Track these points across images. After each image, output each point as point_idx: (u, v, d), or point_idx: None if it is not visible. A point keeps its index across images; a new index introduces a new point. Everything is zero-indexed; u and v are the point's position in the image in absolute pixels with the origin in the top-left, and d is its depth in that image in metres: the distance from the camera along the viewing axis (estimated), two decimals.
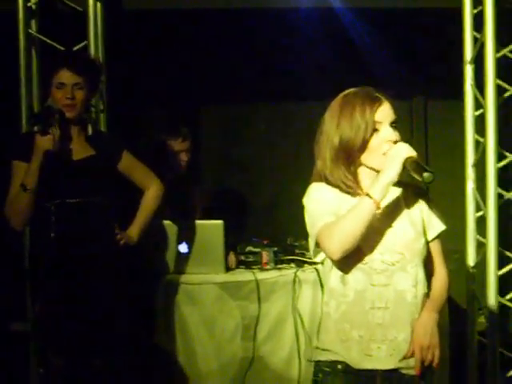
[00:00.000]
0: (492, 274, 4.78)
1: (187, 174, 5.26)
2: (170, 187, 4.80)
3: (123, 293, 4.13)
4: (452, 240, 5.50)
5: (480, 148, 4.94)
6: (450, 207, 5.56)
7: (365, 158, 2.86)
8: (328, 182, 2.92)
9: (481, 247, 4.98)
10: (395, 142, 2.82)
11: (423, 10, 5.27)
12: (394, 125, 2.85)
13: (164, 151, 5.14)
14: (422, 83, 5.91)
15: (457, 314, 5.20)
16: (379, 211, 2.79)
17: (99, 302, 3.99)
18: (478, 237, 5.04)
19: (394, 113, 2.86)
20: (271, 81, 5.90)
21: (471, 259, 5.07)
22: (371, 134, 2.82)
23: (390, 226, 2.91)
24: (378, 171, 2.82)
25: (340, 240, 2.76)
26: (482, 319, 5.12)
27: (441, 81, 5.74)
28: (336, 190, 2.91)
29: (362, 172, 2.91)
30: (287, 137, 6.03)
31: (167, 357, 4.72)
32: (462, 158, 5.09)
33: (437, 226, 3.02)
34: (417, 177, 2.73)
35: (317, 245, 2.87)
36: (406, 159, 2.74)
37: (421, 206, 2.99)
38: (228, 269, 4.87)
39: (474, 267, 5.06)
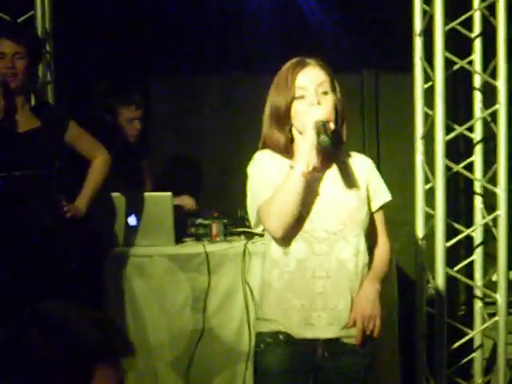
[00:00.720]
0: (440, 245, 4.83)
1: (138, 144, 5.23)
2: (121, 159, 4.78)
3: (70, 263, 4.11)
4: (402, 212, 5.62)
5: (429, 121, 4.96)
6: (400, 180, 5.65)
7: (295, 123, 2.93)
8: (269, 147, 2.96)
9: (430, 219, 5.01)
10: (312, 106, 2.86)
11: None
12: (321, 89, 2.87)
13: (115, 118, 5.10)
14: (373, 56, 5.91)
15: (406, 286, 5.25)
16: (308, 178, 2.80)
17: (45, 265, 3.96)
18: (427, 209, 5.07)
19: (324, 76, 2.89)
20: (222, 51, 5.87)
21: (420, 231, 5.11)
22: (293, 99, 2.87)
23: (333, 194, 2.93)
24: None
25: (277, 218, 2.81)
26: (431, 290, 5.16)
27: (391, 53, 5.75)
28: (278, 156, 2.94)
29: (297, 137, 2.94)
30: (238, 106, 6.02)
31: None
32: (412, 130, 5.12)
33: (382, 196, 3.05)
34: (317, 140, 2.76)
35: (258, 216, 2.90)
36: (316, 122, 2.77)
37: (367, 176, 3.02)
38: (177, 241, 4.85)
39: (422, 239, 5.10)
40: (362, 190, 2.99)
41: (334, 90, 2.94)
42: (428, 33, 4.93)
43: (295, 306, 2.93)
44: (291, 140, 2.96)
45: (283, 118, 2.93)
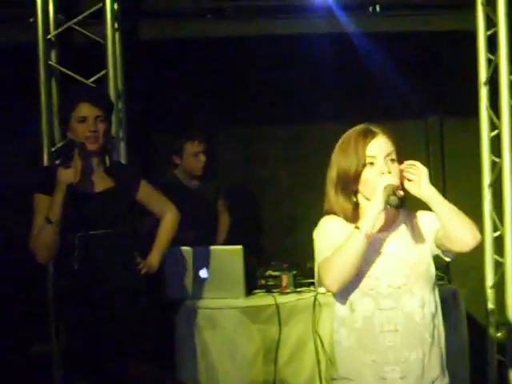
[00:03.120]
0: (510, 293, 4.81)
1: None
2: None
3: (146, 321, 4.19)
4: (470, 257, 5.59)
5: (496, 168, 4.97)
6: None
7: (362, 189, 2.97)
8: (334, 213, 3.03)
9: (499, 266, 5.01)
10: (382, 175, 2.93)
11: (438, 33, 5.32)
12: (389, 158, 2.95)
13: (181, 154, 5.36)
14: (437, 103, 5.94)
15: (476, 331, 5.23)
16: (370, 240, 2.87)
17: (123, 331, 4.06)
18: (496, 256, 5.07)
19: (391, 145, 2.97)
20: (288, 103, 5.96)
21: (489, 279, 5.10)
22: (363, 167, 2.93)
23: (394, 252, 2.99)
24: None
25: (334, 273, 2.88)
26: (501, 335, 5.14)
27: (456, 100, 5.77)
28: (343, 222, 3.00)
29: (362, 202, 3.00)
30: (305, 157, 6.08)
31: (190, 382, 4.77)
32: (479, 176, 5.13)
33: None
34: (387, 201, 2.85)
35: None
36: (385, 188, 2.84)
37: (425, 229, 3.05)
38: (248, 293, 4.91)
39: (492, 287, 5.09)
40: (424, 243, 3.04)
41: (399, 157, 3.02)
42: (493, 81, 4.96)
43: (367, 362, 2.98)
44: (356, 205, 3.03)
45: (351, 184, 2.99)
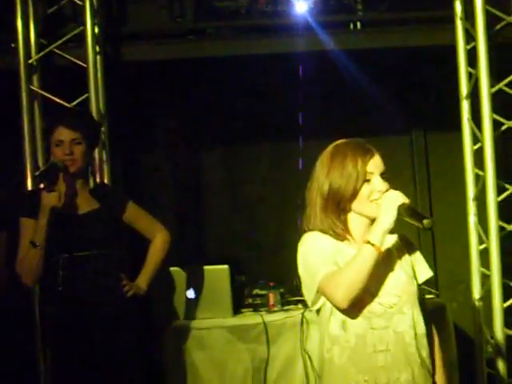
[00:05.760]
0: (497, 306, 4.82)
1: None
2: None
3: (133, 343, 4.18)
4: (458, 271, 5.61)
5: (480, 181, 4.99)
6: (454, 237, 5.66)
7: (355, 205, 2.93)
8: (319, 229, 2.99)
9: (486, 279, 5.01)
10: (386, 191, 2.92)
11: (418, 48, 5.35)
12: (384, 175, 2.95)
13: None
14: (420, 118, 5.96)
15: (465, 345, 5.24)
16: (380, 256, 2.86)
17: (110, 353, 4.04)
18: (483, 269, 5.07)
19: (384, 164, 2.96)
20: (273, 121, 5.97)
21: (476, 292, 5.11)
22: (362, 184, 2.90)
23: (384, 270, 2.98)
24: (368, 217, 2.92)
25: (347, 289, 2.83)
26: (489, 349, 5.14)
27: (439, 115, 5.80)
28: (328, 237, 2.98)
29: (352, 218, 2.98)
30: (291, 175, 6.08)
31: None
32: (464, 189, 5.15)
33: (425, 272, 3.10)
34: (415, 223, 2.83)
35: (317, 294, 2.95)
36: (400, 206, 2.83)
37: (410, 253, 3.08)
38: (235, 312, 4.91)
39: (479, 300, 5.09)
40: (408, 266, 3.05)
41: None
42: (475, 94, 4.98)
43: (359, 381, 2.97)
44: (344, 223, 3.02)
45: (345, 202, 2.97)
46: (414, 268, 3.07)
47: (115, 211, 4.19)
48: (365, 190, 2.92)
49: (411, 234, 3.14)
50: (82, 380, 4.00)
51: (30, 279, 4.02)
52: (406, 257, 3.07)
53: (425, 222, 2.81)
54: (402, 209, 2.85)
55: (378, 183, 2.93)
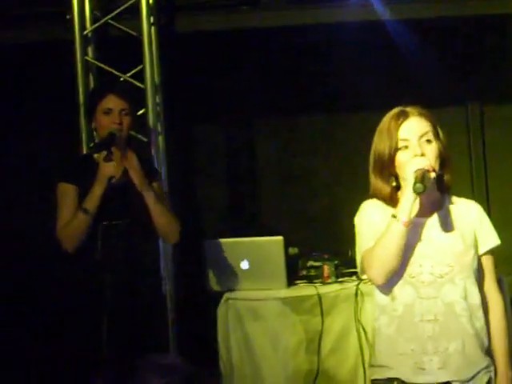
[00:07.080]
0: None
1: None
2: None
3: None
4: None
5: None
6: (509, 211, 5.58)
7: (398, 171, 2.95)
8: (374, 195, 3.00)
9: None
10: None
11: (478, 18, 5.26)
12: (424, 138, 2.91)
13: None
14: (478, 90, 5.87)
15: None
16: (409, 228, 2.84)
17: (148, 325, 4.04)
18: None
19: (427, 126, 2.93)
20: (326, 92, 5.93)
21: None
22: (396, 150, 2.92)
23: (437, 238, 2.96)
24: None
25: (378, 266, 2.87)
26: None
27: (496, 86, 5.71)
28: (381, 204, 2.99)
29: (403, 185, 2.97)
30: (344, 147, 6.05)
31: (233, 372, 4.78)
32: None
33: (490, 241, 3.05)
34: (412, 187, 2.81)
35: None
36: (416, 171, 2.81)
37: (474, 222, 3.03)
38: (289, 284, 4.91)
39: None
40: (468, 235, 3.00)
41: (437, 137, 2.96)
42: None
43: (406, 351, 2.95)
44: (396, 189, 2.99)
45: (386, 168, 2.97)
46: (477, 237, 3.02)
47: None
48: (402, 156, 2.92)
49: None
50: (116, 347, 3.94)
51: (72, 244, 3.92)
52: (471, 226, 3.02)
53: (416, 185, 2.78)
54: (415, 175, 2.82)
55: (412, 149, 2.92)
